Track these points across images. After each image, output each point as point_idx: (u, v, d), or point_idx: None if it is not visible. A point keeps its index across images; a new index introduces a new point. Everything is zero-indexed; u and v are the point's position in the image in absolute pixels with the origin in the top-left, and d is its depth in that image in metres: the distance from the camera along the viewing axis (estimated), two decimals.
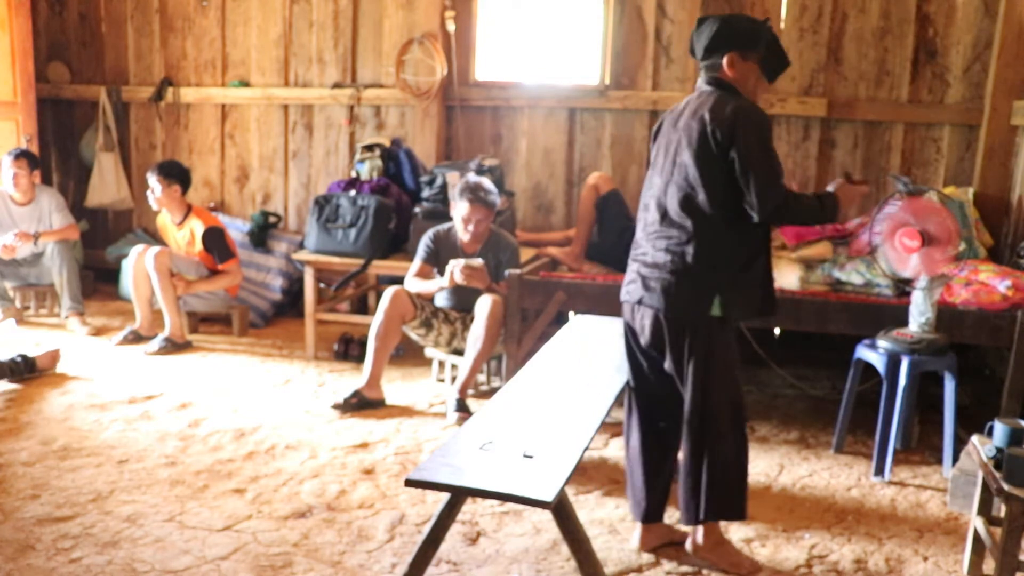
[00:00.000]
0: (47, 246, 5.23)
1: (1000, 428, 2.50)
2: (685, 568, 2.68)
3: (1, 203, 5.28)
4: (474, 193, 4.03)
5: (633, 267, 2.66)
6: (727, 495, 2.59)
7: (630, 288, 2.66)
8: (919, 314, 3.33)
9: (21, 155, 5.26)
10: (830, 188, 2.65)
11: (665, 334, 2.56)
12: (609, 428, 3.75)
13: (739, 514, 2.64)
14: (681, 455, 2.63)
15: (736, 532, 2.91)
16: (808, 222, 2.66)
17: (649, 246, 2.60)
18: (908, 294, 3.45)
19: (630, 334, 2.72)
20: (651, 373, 2.69)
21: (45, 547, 2.68)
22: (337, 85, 5.70)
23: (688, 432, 2.58)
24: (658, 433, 2.73)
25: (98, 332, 5.16)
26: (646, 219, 2.64)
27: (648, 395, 2.73)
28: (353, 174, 5.17)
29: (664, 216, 2.56)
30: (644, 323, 2.62)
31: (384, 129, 5.70)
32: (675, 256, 2.51)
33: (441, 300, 4.25)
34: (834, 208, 2.57)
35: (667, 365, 2.61)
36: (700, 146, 2.45)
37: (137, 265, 4.91)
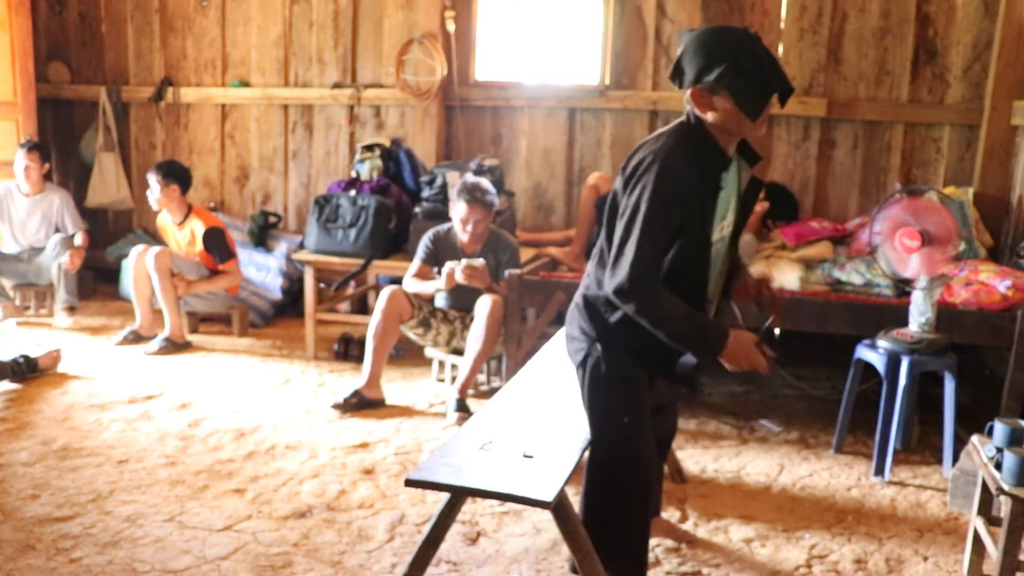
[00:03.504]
0: (48, 242, 5.27)
1: (1000, 428, 2.51)
2: (685, 568, 2.68)
3: (7, 194, 5.41)
4: (471, 194, 4.03)
5: None
6: (608, 548, 2.26)
7: None
8: (919, 314, 3.33)
9: (34, 148, 5.40)
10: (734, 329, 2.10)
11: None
12: None
13: None
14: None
15: (736, 532, 2.91)
16: (667, 332, 2.06)
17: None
18: (908, 294, 3.45)
19: None
20: None
21: (45, 547, 2.69)
22: (337, 85, 5.70)
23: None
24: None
25: (80, 327, 5.19)
26: None
27: None
28: (353, 174, 5.17)
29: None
30: None
31: (384, 129, 5.70)
32: (581, 295, 2.30)
33: (440, 300, 4.25)
34: (712, 348, 2.07)
35: None
36: (615, 192, 2.15)
37: (137, 265, 4.91)
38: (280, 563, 2.64)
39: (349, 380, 4.39)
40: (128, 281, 5.29)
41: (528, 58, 5.47)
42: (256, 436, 3.65)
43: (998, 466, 2.45)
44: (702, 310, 2.17)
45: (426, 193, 4.80)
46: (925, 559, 2.79)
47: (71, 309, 5.27)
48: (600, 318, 2.21)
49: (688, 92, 2.04)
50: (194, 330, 5.24)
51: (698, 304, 2.15)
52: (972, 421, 3.61)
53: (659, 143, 2.06)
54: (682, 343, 2.09)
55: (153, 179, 4.95)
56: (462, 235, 4.11)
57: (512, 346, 3.93)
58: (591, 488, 2.32)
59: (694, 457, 3.54)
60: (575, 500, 2.24)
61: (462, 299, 4.16)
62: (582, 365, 2.27)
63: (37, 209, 5.41)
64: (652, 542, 2.79)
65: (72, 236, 5.42)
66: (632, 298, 2.02)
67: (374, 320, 4.02)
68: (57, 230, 5.41)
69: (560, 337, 3.40)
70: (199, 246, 5.01)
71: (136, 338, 4.97)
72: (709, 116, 2.04)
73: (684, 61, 2.02)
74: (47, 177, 5.57)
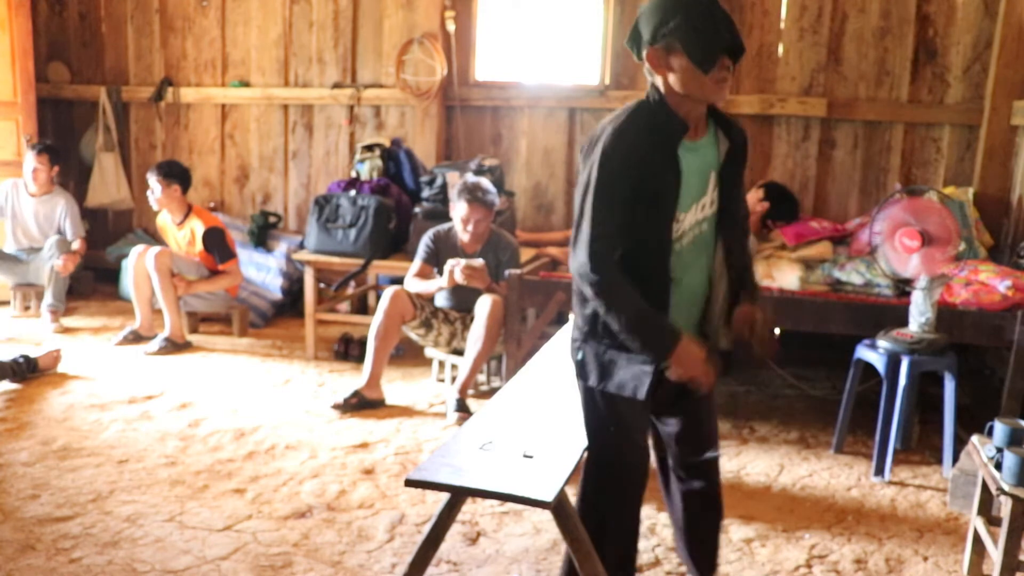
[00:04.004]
0: (47, 242, 5.28)
1: (1000, 428, 2.51)
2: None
3: (14, 191, 5.43)
4: (472, 193, 4.03)
5: None
6: (599, 548, 2.17)
7: None
8: (919, 314, 3.33)
9: (44, 150, 5.40)
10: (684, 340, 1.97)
11: None
12: None
13: None
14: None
15: (736, 532, 2.91)
16: (622, 321, 1.97)
17: None
18: (908, 294, 3.45)
19: None
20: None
21: (45, 547, 2.69)
22: (337, 85, 5.70)
23: None
24: (670, 470, 2.39)
25: (64, 331, 5.16)
26: None
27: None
28: (353, 174, 5.17)
29: None
30: None
31: (384, 129, 5.70)
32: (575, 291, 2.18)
33: (441, 300, 4.25)
34: (660, 347, 1.96)
35: None
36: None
37: (138, 265, 4.91)
38: (280, 563, 2.64)
39: (349, 380, 4.39)
40: (128, 281, 5.29)
41: (528, 58, 5.47)
42: (256, 436, 3.65)
43: (998, 466, 2.46)
44: (664, 307, 2.03)
45: (426, 193, 4.80)
46: (925, 559, 2.79)
47: (55, 313, 5.23)
48: (583, 313, 2.12)
49: (645, 56, 1.98)
50: (194, 330, 5.24)
51: (662, 298, 2.03)
52: (972, 421, 3.62)
53: (618, 118, 2.00)
54: (633, 335, 1.98)
55: (153, 179, 4.95)
56: (463, 235, 4.11)
57: (512, 346, 3.92)
58: (583, 487, 2.30)
59: None
60: (575, 500, 2.24)
61: (463, 299, 4.16)
62: (581, 365, 2.22)
63: (41, 210, 5.42)
64: (652, 542, 2.79)
65: (70, 240, 5.40)
66: (592, 277, 1.95)
67: (376, 320, 4.02)
68: (59, 232, 5.41)
69: (559, 337, 3.40)
70: (199, 246, 5.01)
71: (136, 338, 4.97)
72: (668, 79, 1.96)
73: (640, 25, 1.98)
74: (57, 180, 5.58)
